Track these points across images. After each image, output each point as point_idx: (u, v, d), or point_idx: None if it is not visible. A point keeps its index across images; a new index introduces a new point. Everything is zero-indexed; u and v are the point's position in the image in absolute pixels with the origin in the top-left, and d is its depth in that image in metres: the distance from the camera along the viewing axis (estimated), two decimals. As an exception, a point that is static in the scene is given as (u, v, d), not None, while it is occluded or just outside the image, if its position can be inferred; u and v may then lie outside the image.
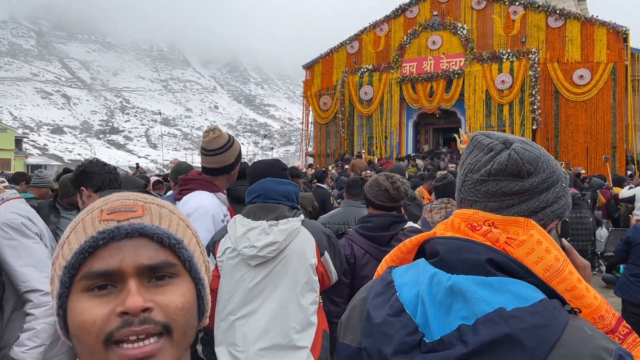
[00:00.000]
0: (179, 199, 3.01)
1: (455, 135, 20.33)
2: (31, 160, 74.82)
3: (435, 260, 1.03)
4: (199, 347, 2.53)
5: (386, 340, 0.97)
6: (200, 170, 3.05)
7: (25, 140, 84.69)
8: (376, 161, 20.26)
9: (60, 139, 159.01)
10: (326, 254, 2.52)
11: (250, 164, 3.41)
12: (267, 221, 2.42)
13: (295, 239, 2.44)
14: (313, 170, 13.53)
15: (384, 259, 1.20)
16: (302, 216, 2.54)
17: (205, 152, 2.93)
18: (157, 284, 0.74)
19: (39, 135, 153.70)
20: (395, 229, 2.91)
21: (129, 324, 0.69)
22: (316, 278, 2.47)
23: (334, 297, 2.89)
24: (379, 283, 1.09)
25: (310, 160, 27.39)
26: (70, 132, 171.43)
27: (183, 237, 0.79)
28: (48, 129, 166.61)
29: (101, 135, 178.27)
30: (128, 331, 0.69)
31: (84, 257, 0.72)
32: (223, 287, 2.44)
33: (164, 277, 0.74)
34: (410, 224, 3.00)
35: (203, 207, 2.75)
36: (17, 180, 6.90)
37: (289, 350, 2.35)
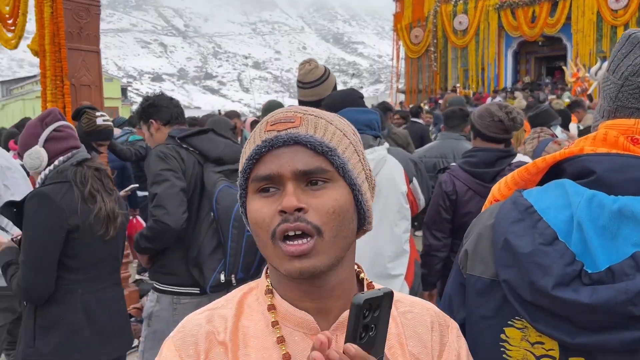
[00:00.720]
0: None
1: (564, 67, 18.79)
2: (136, 108, 79.69)
3: (590, 181, 0.91)
4: None
5: (541, 272, 0.87)
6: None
7: (129, 89, 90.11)
8: (471, 95, 19.31)
9: (160, 87, 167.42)
10: (414, 180, 2.47)
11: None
12: None
13: (384, 167, 2.36)
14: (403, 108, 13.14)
15: (501, 181, 1.08)
16: (386, 144, 2.45)
17: (301, 85, 2.92)
18: (312, 188, 0.80)
19: (141, 84, 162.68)
20: (501, 165, 2.74)
21: (285, 221, 0.77)
22: (407, 206, 2.43)
23: (435, 232, 2.86)
24: (512, 208, 0.95)
25: (401, 97, 26.67)
26: (169, 80, 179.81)
27: (337, 145, 0.83)
28: (149, 77, 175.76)
29: (197, 82, 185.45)
30: (284, 226, 0.77)
31: (252, 163, 0.82)
32: None
33: (317, 182, 0.80)
34: (519, 157, 2.81)
35: None
36: (133, 123, 7.34)
37: (384, 280, 2.33)
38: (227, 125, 4.31)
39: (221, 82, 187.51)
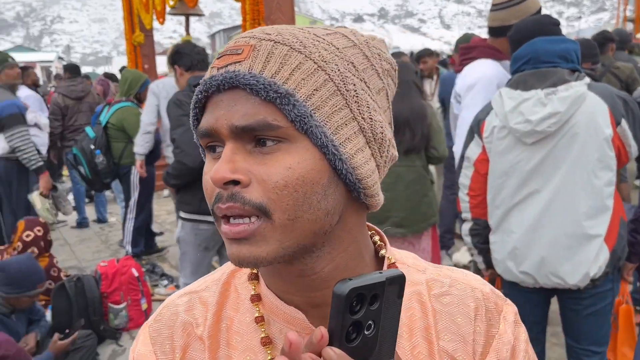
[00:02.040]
0: (459, 71, 2.79)
1: None
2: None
3: None
4: (467, 239, 2.34)
5: None
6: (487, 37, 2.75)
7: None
8: None
9: (360, 27, 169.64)
10: (623, 122, 2.03)
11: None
12: (543, 89, 2.01)
13: (582, 107, 2.00)
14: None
15: None
16: (587, 79, 2.03)
17: (491, 7, 2.63)
18: (262, 151, 0.56)
19: (343, 26, 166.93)
20: None
21: (218, 199, 0.57)
22: (612, 153, 2.04)
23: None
24: None
25: (630, 26, 22.86)
26: (369, 20, 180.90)
27: (298, 86, 0.56)
28: (350, 19, 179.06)
29: (396, 21, 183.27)
30: (216, 207, 0.57)
31: (196, 112, 0.61)
32: (494, 171, 2.16)
33: (266, 141, 0.56)
34: None
35: (486, 76, 2.51)
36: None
37: (578, 239, 2.03)
38: (411, 69, 4.07)
39: (421, 19, 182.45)
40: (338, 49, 0.60)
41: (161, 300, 4.08)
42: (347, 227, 0.63)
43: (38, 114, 5.20)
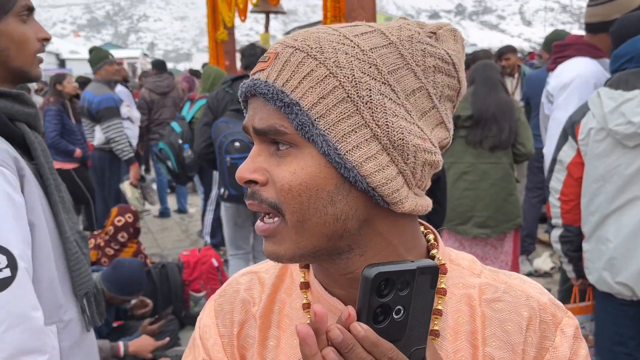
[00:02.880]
0: (552, 69, 2.69)
1: None
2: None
3: None
4: (557, 246, 2.24)
5: None
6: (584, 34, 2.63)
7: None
8: None
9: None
10: None
11: None
12: None
13: None
14: None
15: None
16: None
17: (590, 1, 2.52)
18: (279, 154, 0.61)
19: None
20: None
21: (247, 195, 0.63)
22: None
23: None
24: None
25: None
26: (446, 16, 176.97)
27: (304, 94, 0.58)
28: (426, 15, 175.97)
29: (474, 17, 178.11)
30: (247, 202, 0.63)
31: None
32: (590, 175, 2.05)
33: (280, 145, 0.61)
34: None
35: (582, 75, 2.42)
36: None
37: None
38: (494, 68, 3.89)
39: (500, 15, 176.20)
40: (363, 50, 0.60)
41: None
42: (376, 230, 0.63)
43: (131, 107, 5.51)
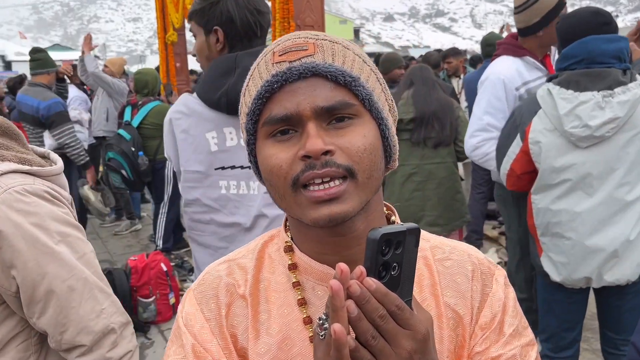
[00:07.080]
0: None
1: None
2: (366, 49, 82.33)
3: None
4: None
5: None
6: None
7: (361, 30, 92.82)
8: None
9: (391, 27, 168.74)
10: None
11: None
12: (599, 92, 1.95)
13: (638, 110, 1.95)
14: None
15: None
16: (639, 79, 1.98)
17: (514, 10, 2.68)
18: (337, 126, 0.71)
19: (373, 25, 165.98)
20: None
21: (311, 167, 0.68)
22: None
23: None
24: None
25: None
26: (400, 19, 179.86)
27: (360, 73, 0.72)
28: (381, 18, 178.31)
29: (427, 20, 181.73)
30: (311, 174, 0.68)
31: (262, 103, 0.72)
32: (545, 173, 2.11)
33: (343, 118, 0.71)
34: None
35: (495, 72, 2.59)
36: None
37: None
38: (428, 69, 3.96)
39: (452, 18, 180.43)
40: (361, 49, 0.78)
41: (189, 295, 4.15)
42: (378, 194, 0.77)
43: (80, 111, 5.35)
